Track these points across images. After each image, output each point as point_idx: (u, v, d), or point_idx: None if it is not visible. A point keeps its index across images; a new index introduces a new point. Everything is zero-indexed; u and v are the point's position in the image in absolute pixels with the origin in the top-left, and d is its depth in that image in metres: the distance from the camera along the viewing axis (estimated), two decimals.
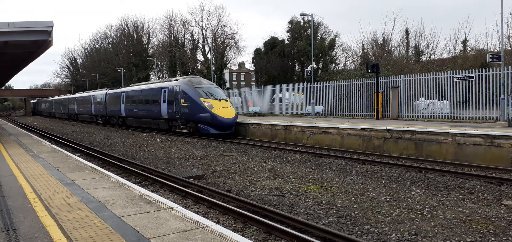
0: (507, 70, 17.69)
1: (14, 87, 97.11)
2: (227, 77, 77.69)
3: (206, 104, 21.67)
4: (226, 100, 23.03)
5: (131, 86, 34.16)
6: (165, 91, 25.03)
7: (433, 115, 20.52)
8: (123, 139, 23.25)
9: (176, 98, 23.48)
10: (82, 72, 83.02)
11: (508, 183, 9.31)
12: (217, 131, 21.33)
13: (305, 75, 29.80)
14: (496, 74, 18.10)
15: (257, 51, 56.04)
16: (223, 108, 21.75)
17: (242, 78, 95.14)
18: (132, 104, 30.55)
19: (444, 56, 42.47)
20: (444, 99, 20.36)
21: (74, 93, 62.08)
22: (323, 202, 8.11)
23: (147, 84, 31.77)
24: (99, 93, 39.78)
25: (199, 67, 59.37)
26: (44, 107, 73.16)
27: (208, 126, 21.59)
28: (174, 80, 25.62)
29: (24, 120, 54.95)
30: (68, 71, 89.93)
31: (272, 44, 53.29)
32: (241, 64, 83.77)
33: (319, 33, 52.54)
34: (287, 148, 16.52)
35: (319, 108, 27.47)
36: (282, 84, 33.74)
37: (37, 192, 7.18)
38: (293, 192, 8.97)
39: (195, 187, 9.38)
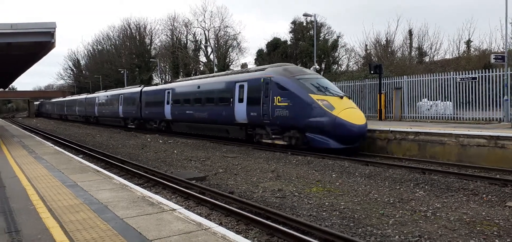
0: (511, 71, 17.63)
1: (18, 89, 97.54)
2: None
3: (321, 103, 14.62)
4: (349, 98, 16.40)
5: (181, 81, 26.85)
6: (242, 86, 18.19)
7: (436, 116, 20.47)
8: (126, 140, 23.28)
9: (265, 95, 16.57)
10: (85, 73, 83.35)
11: None
12: (340, 145, 14.39)
13: None
14: (500, 75, 18.03)
15: (259, 52, 56.05)
16: (349, 109, 14.75)
17: None
18: (183, 104, 23.33)
19: (447, 57, 42.41)
20: (447, 100, 20.32)
21: (77, 94, 61.74)
22: (326, 203, 8.08)
23: (208, 77, 23.45)
24: (131, 91, 32.51)
25: (201, 68, 59.47)
26: (51, 109, 67.30)
27: (327, 136, 14.50)
28: (257, 70, 18.84)
29: (27, 122, 55.16)
30: (71, 73, 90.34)
31: (275, 45, 53.28)
32: (244, 65, 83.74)
33: (321, 34, 52.50)
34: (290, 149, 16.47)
35: None
36: None
37: (40, 193, 7.19)
38: (296, 194, 8.95)
39: (198, 189, 9.37)
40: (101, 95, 40.36)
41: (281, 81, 16.09)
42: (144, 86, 31.40)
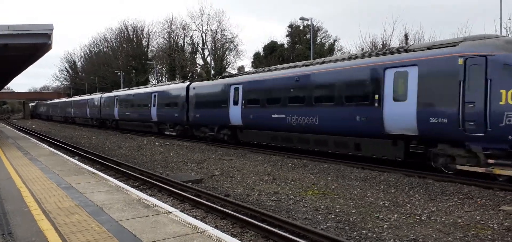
0: None
1: (13, 90, 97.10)
2: None
3: None
4: None
5: (256, 72, 19.55)
6: (400, 73, 11.62)
7: None
8: (122, 142, 23.22)
9: (468, 88, 9.96)
10: (81, 75, 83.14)
11: (506, 189, 9.30)
12: None
13: None
14: None
15: (256, 55, 56.14)
16: None
17: None
18: (266, 105, 16.71)
19: None
20: None
21: (74, 95, 61.28)
22: (322, 207, 8.10)
23: (313, 64, 15.79)
24: (171, 88, 25.87)
25: (198, 71, 59.45)
26: (53, 110, 61.19)
27: None
28: (433, 47, 11.36)
29: (22, 123, 54.88)
30: (68, 74, 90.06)
31: (272, 48, 53.41)
32: (241, 68, 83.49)
33: (318, 38, 52.67)
34: (286, 152, 16.49)
35: None
36: None
37: (34, 195, 7.16)
38: (291, 197, 8.96)
39: (193, 191, 9.37)
40: (124, 93, 33.56)
41: None
42: (192, 81, 24.84)
